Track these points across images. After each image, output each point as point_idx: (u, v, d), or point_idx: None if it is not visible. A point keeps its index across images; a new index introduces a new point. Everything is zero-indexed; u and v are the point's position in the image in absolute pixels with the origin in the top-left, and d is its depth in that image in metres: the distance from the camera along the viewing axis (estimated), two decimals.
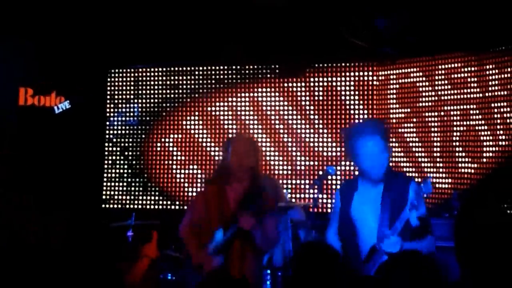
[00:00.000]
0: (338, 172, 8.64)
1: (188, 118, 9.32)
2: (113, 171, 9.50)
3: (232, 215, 5.25)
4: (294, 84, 9.01)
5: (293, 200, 8.59)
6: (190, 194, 9.08)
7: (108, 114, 9.54)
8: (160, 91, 9.42)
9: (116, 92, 9.55)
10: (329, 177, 8.19)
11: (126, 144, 9.47)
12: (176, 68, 9.33)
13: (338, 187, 6.50)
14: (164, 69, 9.36)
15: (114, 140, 9.45)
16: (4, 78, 8.83)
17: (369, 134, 4.71)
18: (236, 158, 5.32)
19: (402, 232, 4.56)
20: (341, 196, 4.93)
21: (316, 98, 8.90)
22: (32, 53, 8.92)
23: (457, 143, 7.93)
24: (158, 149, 9.39)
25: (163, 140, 9.39)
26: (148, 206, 9.33)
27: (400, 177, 4.77)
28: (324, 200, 8.61)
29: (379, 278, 4.28)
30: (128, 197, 9.39)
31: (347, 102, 8.80)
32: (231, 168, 5.35)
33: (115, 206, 9.36)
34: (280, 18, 8.21)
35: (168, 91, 9.41)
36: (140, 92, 9.47)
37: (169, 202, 9.22)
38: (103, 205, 9.37)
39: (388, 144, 4.76)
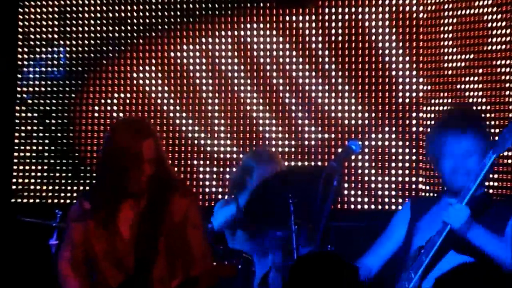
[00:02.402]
0: (366, 150, 7.48)
1: (141, 68, 8.14)
2: (28, 148, 8.33)
3: (128, 253, 4.60)
4: (300, 18, 7.81)
5: None
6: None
7: (20, 63, 8.40)
8: (98, 28, 8.27)
9: (32, 30, 8.39)
10: (353, 156, 6.76)
11: (47, 108, 8.29)
12: None
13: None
14: None
15: (30, 101, 8.30)
16: None
17: (455, 129, 4.50)
18: (133, 167, 4.49)
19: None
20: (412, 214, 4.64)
21: (333, 38, 7.71)
22: None
23: None
24: (96, 114, 8.24)
25: (103, 101, 8.22)
26: None
27: (500, 207, 4.44)
28: (346, 192, 7.50)
29: None
30: (50, 188, 8.31)
31: (380, 45, 7.58)
32: (123, 180, 4.55)
33: (31, 200, 8.31)
34: None
35: (109, 28, 8.25)
36: (68, 29, 8.27)
37: None
38: (13, 200, 8.33)
39: (482, 145, 4.44)
